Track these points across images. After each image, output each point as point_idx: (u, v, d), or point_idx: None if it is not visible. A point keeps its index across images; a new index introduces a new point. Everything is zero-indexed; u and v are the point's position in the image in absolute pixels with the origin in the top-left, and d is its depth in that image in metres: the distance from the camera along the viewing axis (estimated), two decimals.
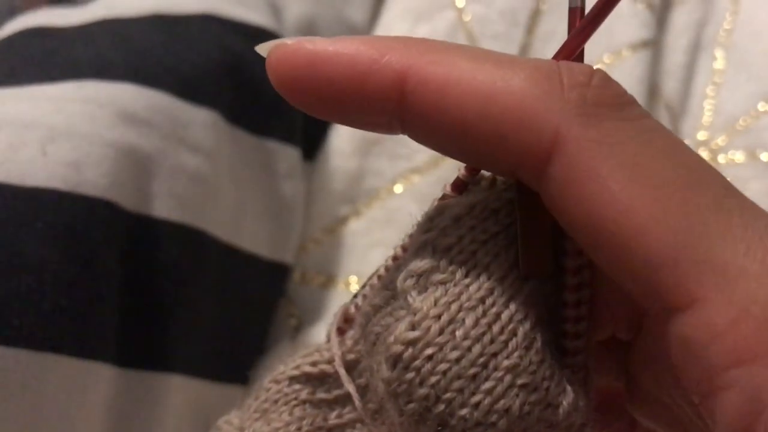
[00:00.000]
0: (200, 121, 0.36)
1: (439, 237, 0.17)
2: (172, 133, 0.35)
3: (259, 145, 0.40)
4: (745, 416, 0.15)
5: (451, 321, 0.16)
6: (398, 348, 0.16)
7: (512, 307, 0.16)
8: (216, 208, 0.37)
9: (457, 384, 0.15)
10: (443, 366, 0.16)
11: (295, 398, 0.19)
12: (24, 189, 0.30)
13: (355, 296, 0.20)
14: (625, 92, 0.17)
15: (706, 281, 0.15)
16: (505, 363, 0.16)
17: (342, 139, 0.45)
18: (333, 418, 0.19)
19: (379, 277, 0.19)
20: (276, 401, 0.19)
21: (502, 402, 0.15)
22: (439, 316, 0.16)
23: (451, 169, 0.44)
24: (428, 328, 0.16)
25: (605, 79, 0.17)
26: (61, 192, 0.30)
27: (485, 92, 0.16)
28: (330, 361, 0.19)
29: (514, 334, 0.16)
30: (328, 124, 0.45)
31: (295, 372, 0.19)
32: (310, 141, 0.44)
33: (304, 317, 0.43)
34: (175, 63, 0.37)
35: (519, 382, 0.16)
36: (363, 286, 0.19)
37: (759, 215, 0.16)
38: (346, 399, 0.19)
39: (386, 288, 0.18)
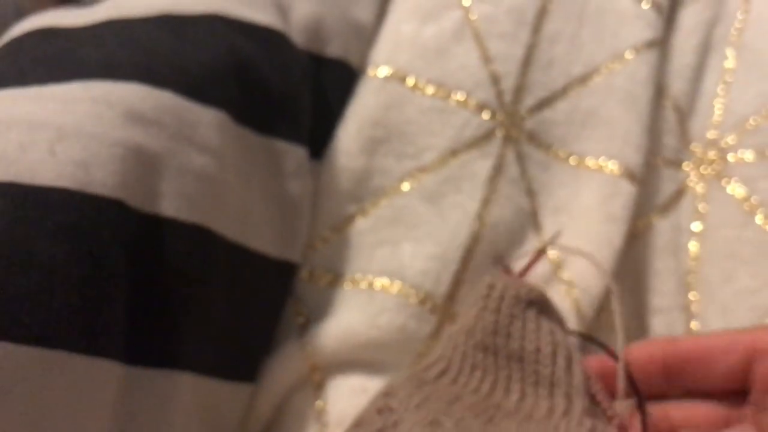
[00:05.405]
0: (208, 120, 0.37)
1: None
2: (180, 132, 0.35)
3: (266, 144, 0.40)
4: None
5: None
6: None
7: None
8: (223, 208, 0.37)
9: None
10: None
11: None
12: (33, 188, 0.30)
13: None
14: None
15: None
16: None
17: (349, 138, 0.45)
18: None
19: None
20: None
21: None
22: None
23: (459, 168, 0.44)
24: None
25: None
26: (70, 191, 0.30)
27: None
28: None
29: None
30: (335, 123, 0.45)
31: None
32: (317, 140, 0.44)
33: (312, 316, 0.43)
34: (183, 63, 0.37)
35: None
36: None
37: None
38: None
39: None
